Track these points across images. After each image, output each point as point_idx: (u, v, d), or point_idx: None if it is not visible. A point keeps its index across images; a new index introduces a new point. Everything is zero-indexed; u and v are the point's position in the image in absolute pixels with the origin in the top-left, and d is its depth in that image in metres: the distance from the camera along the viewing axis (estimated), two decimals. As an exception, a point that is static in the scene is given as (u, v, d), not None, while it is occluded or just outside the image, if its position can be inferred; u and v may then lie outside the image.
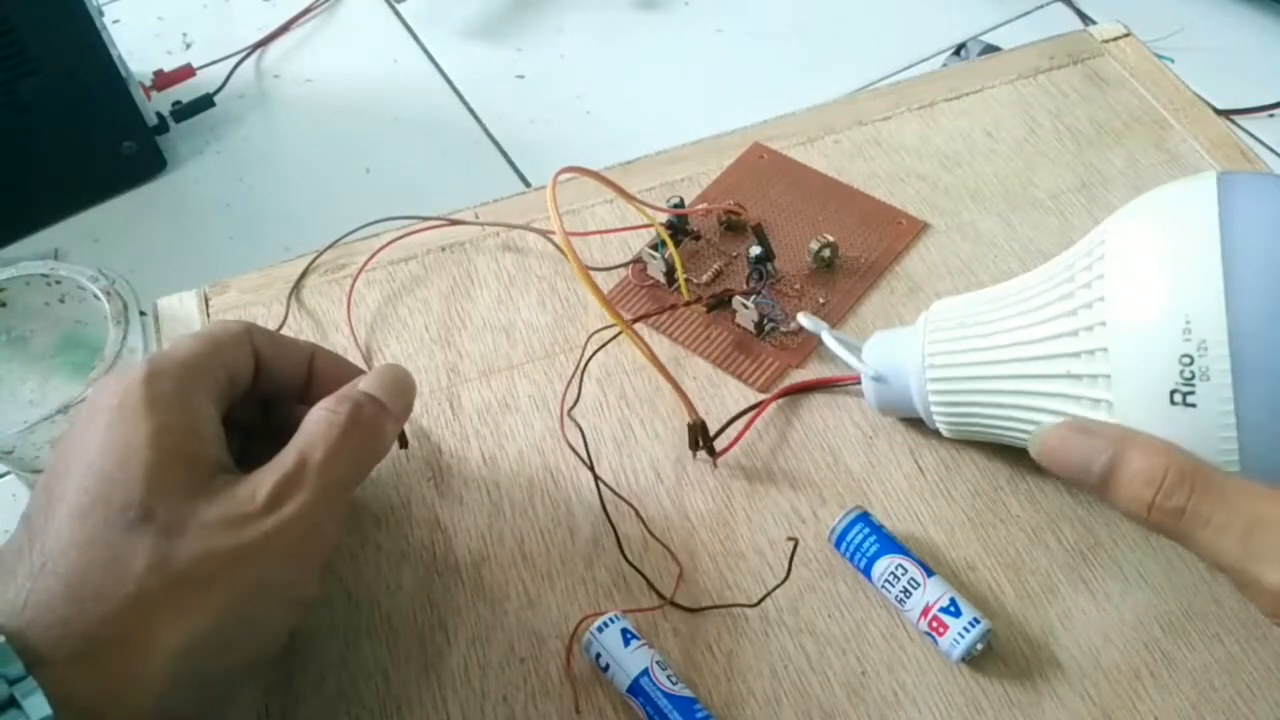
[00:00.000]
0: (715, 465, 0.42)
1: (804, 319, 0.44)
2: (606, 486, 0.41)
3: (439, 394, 0.45)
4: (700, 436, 0.41)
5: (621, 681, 0.35)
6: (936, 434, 0.41)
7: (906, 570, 0.37)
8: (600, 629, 0.36)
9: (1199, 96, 0.54)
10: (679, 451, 0.43)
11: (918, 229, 0.50)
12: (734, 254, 0.49)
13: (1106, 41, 0.57)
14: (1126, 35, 0.57)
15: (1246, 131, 1.03)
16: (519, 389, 0.45)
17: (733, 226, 0.50)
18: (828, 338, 0.43)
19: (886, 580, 0.37)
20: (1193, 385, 0.31)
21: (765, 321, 0.46)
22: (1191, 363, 0.31)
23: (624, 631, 0.36)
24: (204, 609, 0.29)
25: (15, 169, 1.18)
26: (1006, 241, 0.49)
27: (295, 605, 0.33)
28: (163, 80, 1.32)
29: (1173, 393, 0.32)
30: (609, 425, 0.44)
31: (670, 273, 0.47)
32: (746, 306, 0.45)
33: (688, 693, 0.35)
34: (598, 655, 0.36)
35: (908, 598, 0.37)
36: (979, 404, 0.38)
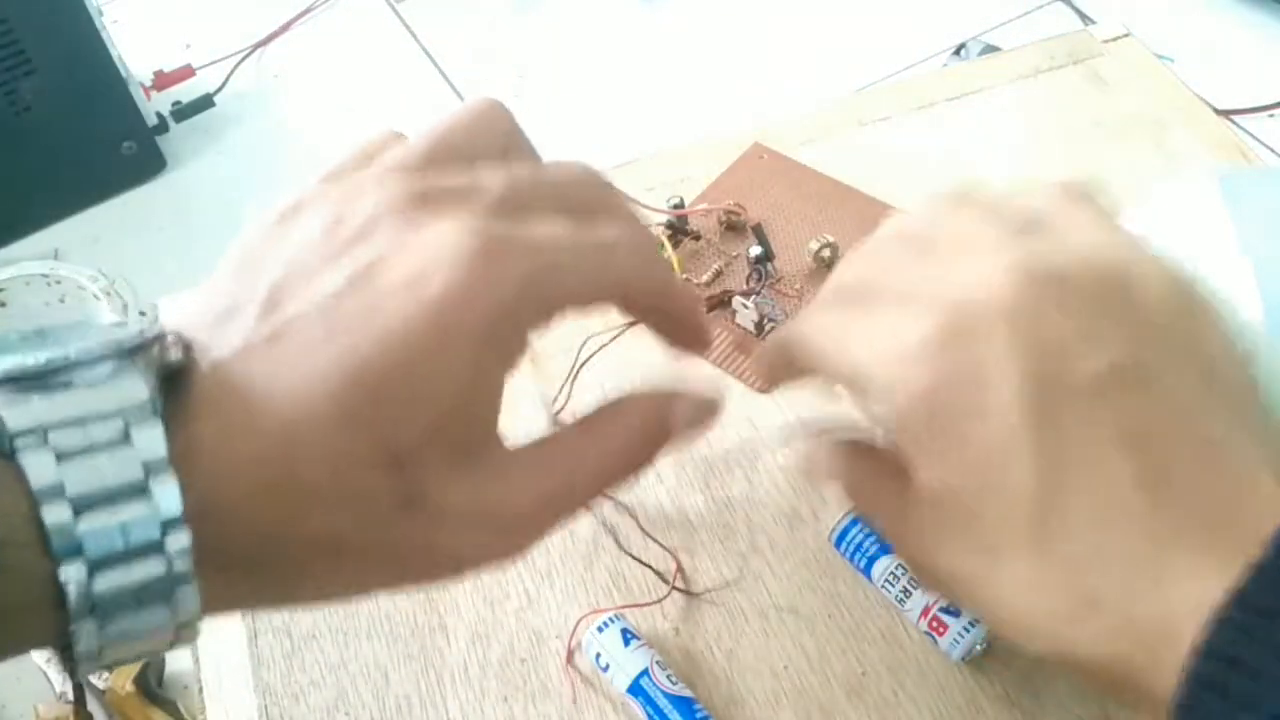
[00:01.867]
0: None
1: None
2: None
3: (439, 394, 0.45)
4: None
5: (621, 682, 0.35)
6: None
7: (906, 570, 0.37)
8: (600, 629, 0.36)
9: (1199, 96, 0.54)
10: (679, 452, 0.43)
11: (918, 229, 0.50)
12: (734, 254, 0.48)
13: (1106, 41, 0.57)
14: (1126, 35, 0.57)
15: (1246, 131, 1.03)
16: (518, 389, 0.45)
17: (733, 226, 0.49)
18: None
19: (886, 580, 0.37)
20: None
21: (765, 321, 0.45)
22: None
23: (624, 631, 0.36)
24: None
25: (15, 169, 1.18)
26: (1006, 241, 0.49)
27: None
28: (163, 80, 1.32)
29: None
30: (609, 425, 0.44)
31: None
32: (746, 306, 0.45)
33: (688, 693, 0.35)
34: (597, 655, 0.36)
35: (908, 598, 0.37)
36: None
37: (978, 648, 0.36)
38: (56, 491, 0.19)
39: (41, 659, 0.52)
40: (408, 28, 1.47)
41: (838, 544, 0.39)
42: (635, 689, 0.35)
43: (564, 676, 0.37)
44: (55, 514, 0.19)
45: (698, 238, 0.49)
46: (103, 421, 0.19)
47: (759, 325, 0.46)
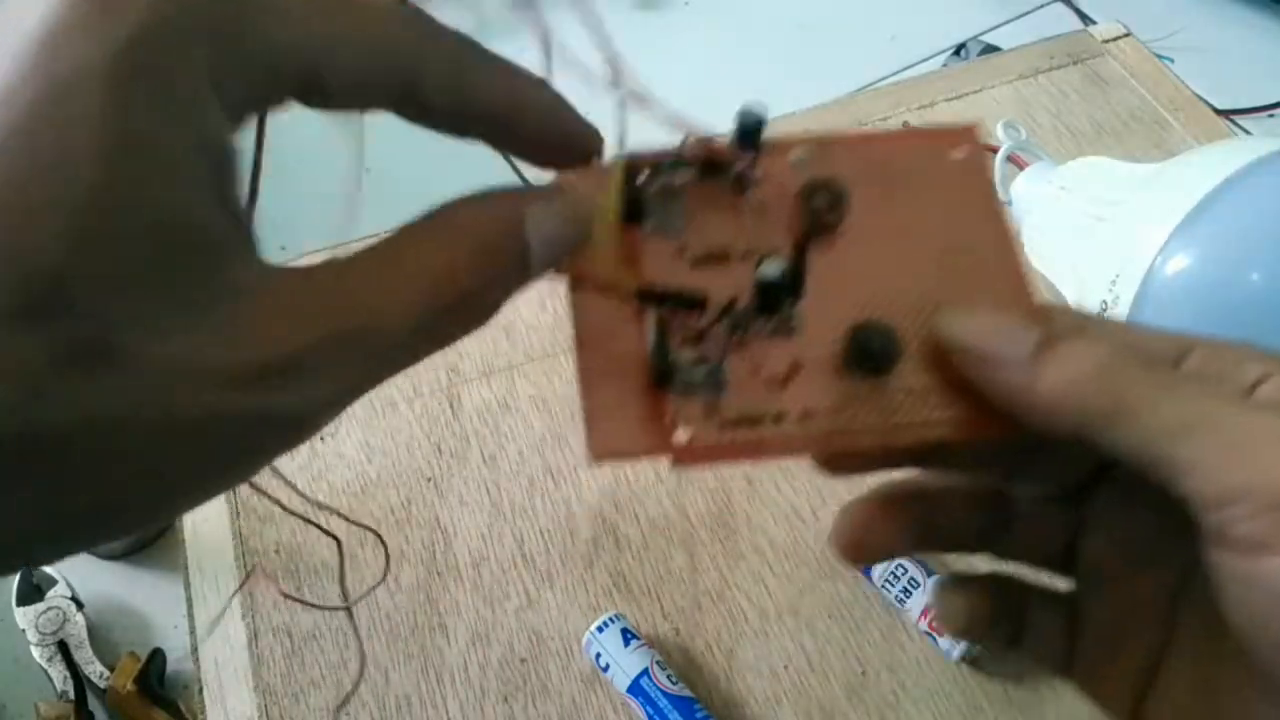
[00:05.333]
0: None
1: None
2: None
3: (439, 394, 0.45)
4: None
5: (621, 682, 0.35)
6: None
7: (906, 570, 0.37)
8: (600, 629, 0.36)
9: (1199, 96, 0.54)
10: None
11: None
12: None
13: (1106, 41, 0.57)
14: (1126, 35, 0.57)
15: (1246, 132, 1.03)
16: (519, 389, 0.45)
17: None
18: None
19: (886, 580, 0.37)
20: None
21: (683, 370, 0.21)
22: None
23: (624, 631, 0.36)
24: None
25: (15, 169, 1.18)
26: (1006, 241, 0.49)
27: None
28: (163, 80, 1.32)
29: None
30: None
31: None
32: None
33: (688, 693, 0.35)
34: (598, 655, 0.36)
35: (908, 598, 0.37)
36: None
37: (978, 648, 0.36)
38: None
39: (43, 658, 0.52)
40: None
41: (838, 544, 0.39)
42: (635, 689, 0.35)
43: (564, 676, 0.37)
44: None
45: (741, 187, 0.23)
46: None
47: (661, 364, 0.21)
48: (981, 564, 0.25)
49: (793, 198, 0.22)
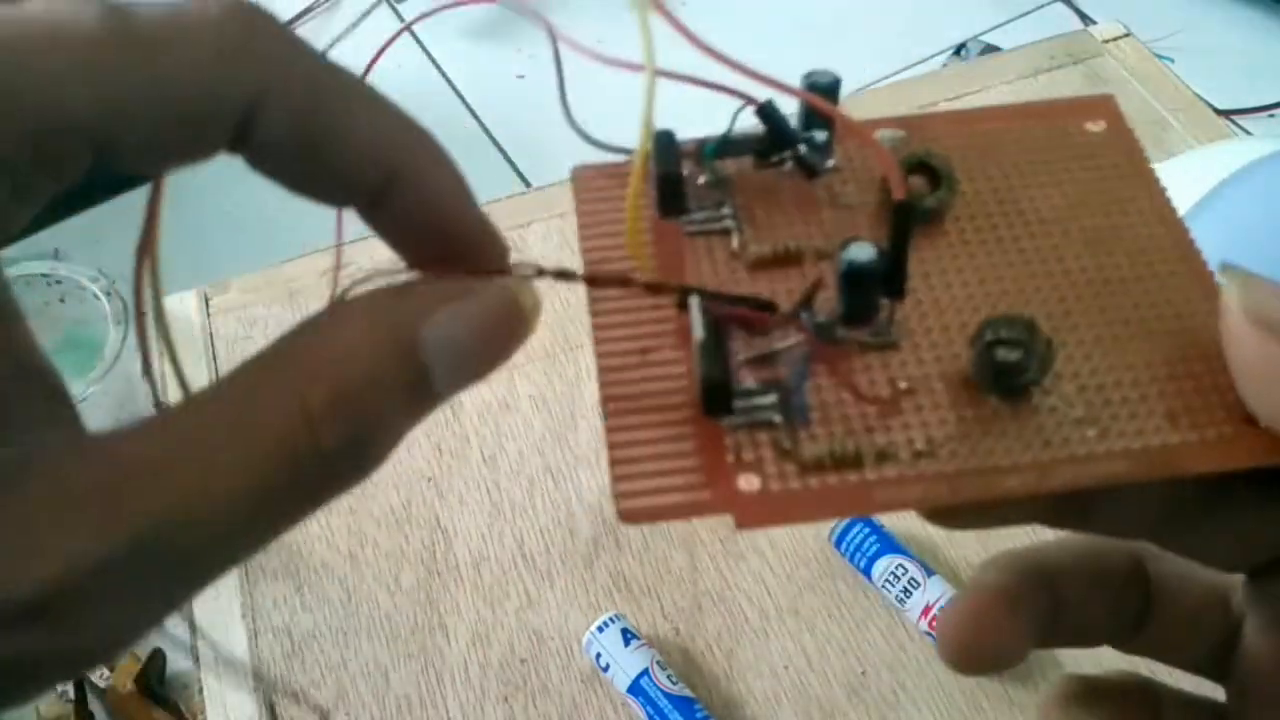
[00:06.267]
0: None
1: None
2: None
3: (439, 394, 0.45)
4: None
5: (621, 682, 0.35)
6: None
7: (906, 570, 0.37)
8: (600, 629, 0.36)
9: (1199, 96, 0.54)
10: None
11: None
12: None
13: (1106, 41, 0.57)
14: (1126, 35, 0.57)
15: (1246, 132, 1.03)
16: (519, 389, 0.45)
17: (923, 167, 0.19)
18: None
19: (886, 580, 0.37)
20: None
21: (746, 394, 0.16)
22: None
23: (624, 631, 0.36)
24: None
25: (15, 169, 1.18)
26: (1006, 241, 0.49)
27: None
28: (163, 80, 1.32)
29: None
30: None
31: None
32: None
33: (688, 693, 0.35)
34: (598, 655, 0.36)
35: (908, 597, 0.37)
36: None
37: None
38: None
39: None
40: (408, 27, 1.47)
41: (838, 544, 0.39)
42: (635, 689, 0.35)
43: (564, 676, 0.37)
44: None
45: (810, 172, 0.18)
46: None
47: (714, 382, 0.16)
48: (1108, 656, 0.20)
49: (879, 182, 0.18)
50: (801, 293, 0.16)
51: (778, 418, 0.15)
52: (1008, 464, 0.15)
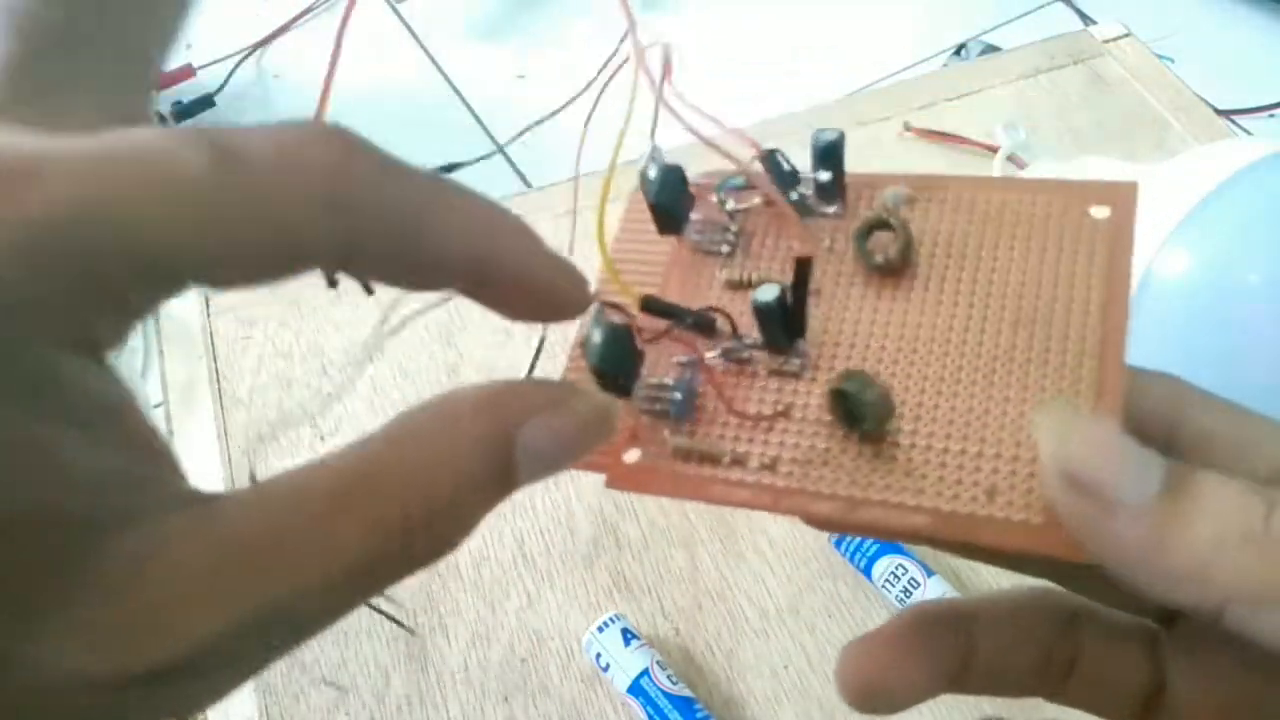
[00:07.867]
0: None
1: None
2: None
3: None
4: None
5: (621, 682, 0.36)
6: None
7: (906, 570, 0.37)
8: (600, 629, 0.37)
9: (1199, 96, 0.54)
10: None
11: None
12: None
13: (1107, 41, 0.57)
14: (1127, 35, 0.57)
15: (1246, 132, 1.03)
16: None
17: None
18: None
19: (886, 580, 0.37)
20: None
21: (650, 390, 0.19)
22: None
23: (624, 631, 0.36)
24: None
25: (15, 169, 1.18)
26: (1006, 241, 0.49)
27: None
28: (163, 80, 1.32)
29: None
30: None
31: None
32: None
33: (688, 693, 0.35)
34: (598, 655, 0.36)
35: (908, 598, 0.37)
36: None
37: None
38: None
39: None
40: (408, 28, 1.47)
41: (838, 544, 0.39)
42: (635, 689, 0.35)
43: (564, 676, 0.37)
44: None
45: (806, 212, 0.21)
46: None
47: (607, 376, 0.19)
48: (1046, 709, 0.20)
49: (851, 234, 0.19)
50: (722, 333, 0.19)
51: (672, 411, 0.18)
52: (827, 492, 0.17)
